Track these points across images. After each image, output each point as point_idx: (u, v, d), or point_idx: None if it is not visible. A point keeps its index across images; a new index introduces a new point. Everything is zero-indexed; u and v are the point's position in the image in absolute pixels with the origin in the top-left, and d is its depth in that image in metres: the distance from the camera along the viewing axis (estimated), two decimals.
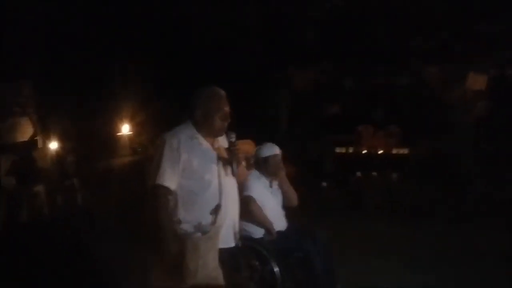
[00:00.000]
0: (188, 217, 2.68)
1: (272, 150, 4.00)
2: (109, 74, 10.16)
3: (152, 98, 10.25)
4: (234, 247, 2.87)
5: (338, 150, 10.69)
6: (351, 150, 10.68)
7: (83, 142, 10.28)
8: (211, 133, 2.82)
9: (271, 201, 3.95)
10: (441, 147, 9.24)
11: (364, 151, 10.59)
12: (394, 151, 10.35)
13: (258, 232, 3.85)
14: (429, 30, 9.05)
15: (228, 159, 2.79)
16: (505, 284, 4.42)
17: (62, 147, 9.60)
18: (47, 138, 9.57)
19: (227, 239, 2.78)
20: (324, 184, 9.90)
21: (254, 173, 4.00)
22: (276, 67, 10.40)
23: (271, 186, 4.01)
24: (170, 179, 2.65)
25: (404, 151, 10.26)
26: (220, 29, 9.51)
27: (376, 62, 9.92)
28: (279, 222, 3.93)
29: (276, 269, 3.60)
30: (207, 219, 2.67)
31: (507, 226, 6.23)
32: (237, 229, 2.87)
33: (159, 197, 2.63)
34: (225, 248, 2.75)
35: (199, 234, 2.64)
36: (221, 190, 2.73)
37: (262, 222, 3.81)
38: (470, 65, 9.53)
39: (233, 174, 2.79)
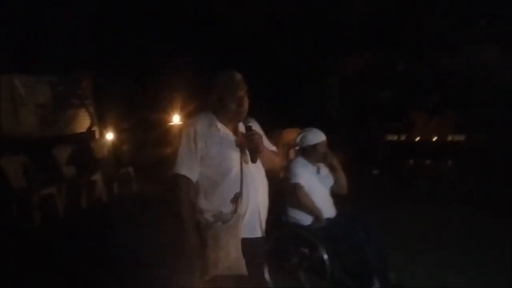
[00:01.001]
0: (209, 206, 2.64)
1: (320, 136, 3.96)
2: (161, 65, 10.35)
3: (199, 88, 10.37)
4: (280, 236, 2.84)
5: (390, 137, 10.49)
6: (403, 137, 10.45)
7: (137, 132, 10.61)
8: (228, 120, 2.72)
9: (319, 188, 3.92)
10: (498, 134, 8.85)
11: (417, 139, 10.32)
12: (449, 139, 10.02)
13: (306, 219, 3.84)
14: (485, 11, 8.62)
15: (248, 146, 2.67)
16: None
17: (118, 137, 9.92)
18: (103, 128, 9.95)
19: (252, 228, 2.69)
20: (376, 172, 9.76)
21: (300, 160, 3.98)
22: (326, 54, 10.25)
23: (318, 173, 3.98)
24: (188, 168, 2.64)
25: (460, 138, 9.91)
26: (267, 16, 9.47)
27: (430, 45, 9.57)
28: (328, 209, 3.91)
29: (325, 256, 3.59)
30: (227, 207, 2.61)
31: None
32: (263, 218, 2.74)
33: (178, 187, 2.62)
34: (250, 238, 2.67)
35: (219, 223, 2.58)
36: (242, 177, 2.64)
37: (310, 209, 3.79)
38: None
39: (252, 161, 2.66)
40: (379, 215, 4.16)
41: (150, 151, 10.54)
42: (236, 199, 2.62)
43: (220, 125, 2.72)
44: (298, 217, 3.88)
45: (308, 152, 3.96)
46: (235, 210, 2.61)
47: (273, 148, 2.93)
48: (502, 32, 8.57)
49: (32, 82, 9.15)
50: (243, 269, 2.58)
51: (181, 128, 2.77)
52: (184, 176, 2.64)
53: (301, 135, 4.05)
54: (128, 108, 10.38)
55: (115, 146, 9.59)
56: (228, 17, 9.76)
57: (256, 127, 2.78)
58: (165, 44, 9.99)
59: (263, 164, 2.80)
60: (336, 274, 3.57)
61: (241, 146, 2.71)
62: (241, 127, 2.75)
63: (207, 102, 2.76)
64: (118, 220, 6.68)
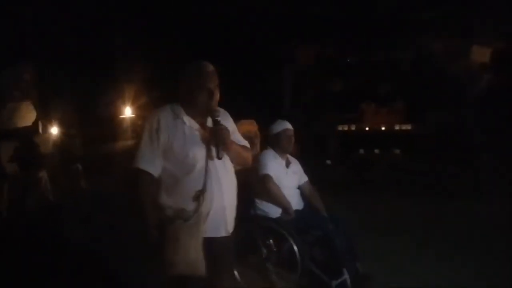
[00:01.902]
0: (170, 202, 2.50)
1: (283, 125, 4.02)
2: (110, 57, 10.02)
3: (154, 80, 10.15)
4: (248, 229, 2.76)
5: (340, 127, 10.66)
6: (353, 127, 10.65)
7: (85, 126, 10.24)
8: (197, 112, 2.57)
9: (287, 180, 3.92)
10: (445, 121, 9.18)
11: (367, 128, 10.56)
12: (397, 128, 10.31)
13: (275, 211, 3.82)
14: (433, 2, 8.88)
15: (213, 141, 2.51)
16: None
17: (64, 132, 9.54)
18: (48, 122, 9.48)
19: (216, 227, 2.55)
20: (328, 161, 9.89)
21: (269, 152, 3.99)
22: (279, 45, 10.24)
23: (287, 167, 4.00)
24: (150, 162, 2.51)
25: (407, 127, 10.22)
26: (222, 4, 9.33)
27: (379, 37, 9.76)
28: (296, 201, 3.91)
29: (295, 247, 3.56)
30: (190, 205, 2.47)
31: None
32: (229, 217, 2.61)
33: (139, 181, 2.50)
34: (213, 237, 2.54)
35: (180, 221, 2.45)
36: (207, 174, 2.49)
37: (279, 200, 3.77)
38: (473, 38, 9.39)
39: (218, 157, 2.49)
40: (332, 205, 4.16)
41: (100, 146, 10.23)
42: (198, 196, 2.47)
43: (186, 118, 2.55)
44: (267, 210, 3.84)
45: (274, 142, 4.00)
46: (197, 209, 2.46)
47: (244, 142, 2.77)
48: (449, 23, 8.84)
49: None
50: (201, 270, 2.46)
51: (144, 120, 2.64)
52: (144, 171, 2.50)
53: (269, 128, 4.09)
54: (75, 101, 9.97)
55: (62, 141, 9.19)
56: (182, 9, 9.53)
57: (226, 120, 2.63)
58: (115, 33, 9.67)
59: (232, 160, 2.65)
60: (306, 265, 3.53)
61: (207, 141, 2.54)
62: (210, 121, 2.59)
63: (179, 93, 2.60)
64: (66, 218, 6.44)
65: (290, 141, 3.98)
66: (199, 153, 2.52)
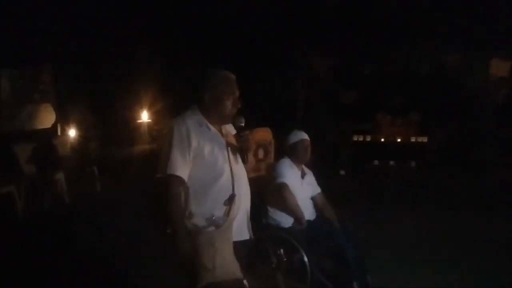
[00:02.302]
0: (200, 209, 2.49)
1: (300, 135, 4.05)
2: (129, 61, 10.11)
3: (171, 85, 10.21)
4: (259, 239, 2.78)
5: (355, 138, 10.62)
6: (368, 138, 10.61)
7: (102, 130, 10.34)
8: (219, 119, 2.63)
9: (301, 191, 3.94)
10: (461, 135, 9.12)
11: (382, 140, 10.50)
12: (413, 139, 10.24)
13: (287, 221, 3.84)
14: (451, 15, 8.84)
15: (238, 146, 2.62)
16: None
17: (82, 135, 9.63)
18: (66, 125, 9.61)
19: (241, 231, 2.63)
20: (342, 172, 9.85)
21: (286, 161, 4.00)
22: (294, 54, 10.26)
23: (302, 178, 4.02)
24: (182, 168, 2.47)
25: (423, 139, 10.15)
26: (236, 14, 9.40)
27: (395, 47, 9.74)
28: (309, 212, 3.93)
29: (305, 258, 3.57)
30: (220, 210, 2.49)
31: None
32: (249, 220, 2.69)
33: (171, 188, 2.45)
34: (240, 241, 2.60)
35: (212, 228, 2.47)
36: (233, 179, 2.55)
37: (294, 210, 3.78)
38: (492, 52, 9.33)
39: (245, 162, 2.62)
40: (345, 216, 4.17)
41: (116, 150, 10.31)
42: (230, 201, 2.52)
43: (209, 125, 2.61)
44: (279, 219, 3.87)
45: (291, 152, 4.01)
46: (228, 213, 2.51)
47: None
48: (467, 34, 8.78)
49: None
50: (238, 273, 2.51)
51: (169, 126, 2.57)
52: (178, 177, 2.47)
53: (286, 138, 4.11)
54: (92, 104, 10.08)
55: (79, 144, 9.29)
56: (198, 15, 9.61)
57: (232, 128, 2.73)
58: (133, 38, 9.77)
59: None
60: (316, 277, 3.53)
61: (230, 147, 2.62)
62: (228, 127, 2.70)
63: (198, 99, 2.62)
64: (81, 221, 6.51)
65: (307, 152, 4.00)
66: (225, 158, 2.57)
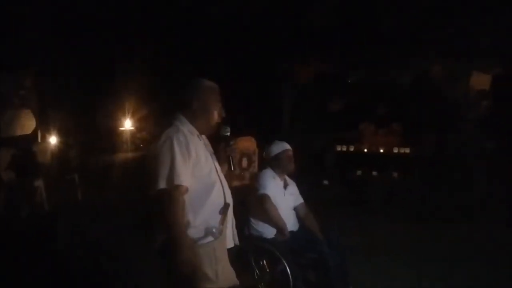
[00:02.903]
0: (198, 219, 2.44)
1: (282, 146, 4.04)
2: (111, 68, 10.03)
3: (155, 93, 10.16)
4: (239, 247, 2.73)
5: (339, 148, 10.66)
6: (352, 148, 10.65)
7: (84, 137, 10.23)
8: (206, 128, 2.61)
9: (284, 202, 3.92)
10: (443, 145, 9.21)
11: (365, 150, 10.56)
12: (395, 150, 10.31)
13: (269, 232, 3.81)
14: (433, 26, 8.94)
15: (225, 155, 2.64)
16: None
17: (63, 141, 9.52)
18: (47, 131, 9.48)
19: (229, 239, 2.61)
20: (326, 182, 9.87)
21: (268, 172, 3.98)
22: (279, 61, 10.27)
23: (285, 188, 4.00)
24: (187, 178, 2.40)
25: (406, 150, 10.22)
26: (222, 21, 9.38)
27: (379, 57, 9.81)
28: (292, 223, 3.91)
29: (288, 269, 3.53)
30: (215, 220, 2.47)
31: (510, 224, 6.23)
32: (234, 227, 2.68)
33: (176, 200, 2.34)
34: (229, 248, 2.57)
35: (210, 238, 2.43)
36: (223, 188, 2.54)
37: (276, 221, 3.76)
38: (473, 63, 9.46)
39: (231, 169, 2.64)
40: (334, 226, 4.16)
41: (98, 157, 10.20)
42: (224, 210, 2.50)
43: (199, 134, 2.59)
44: (261, 230, 3.84)
45: (274, 163, 4.00)
46: (222, 222, 2.48)
47: None
48: (448, 46, 8.89)
49: None
50: (235, 280, 2.52)
51: (166, 137, 2.43)
52: (183, 187, 2.38)
53: (266, 149, 4.10)
54: (74, 111, 9.97)
55: (60, 151, 9.17)
56: (180, 19, 9.57)
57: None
58: (116, 45, 9.70)
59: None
60: (298, 287, 3.50)
61: (218, 155, 2.64)
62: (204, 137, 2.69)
63: (185, 108, 2.58)
64: (61, 229, 6.41)
65: (291, 162, 3.99)
66: (215, 168, 2.57)
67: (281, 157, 3.96)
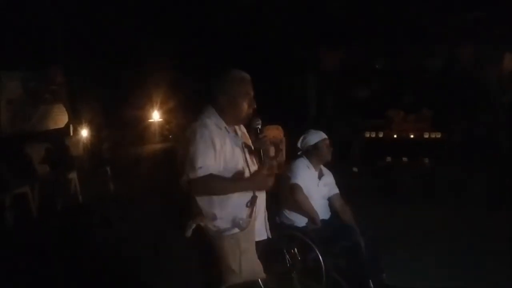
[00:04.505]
0: (224, 212, 2.48)
1: (320, 135, 4.00)
2: (141, 61, 10.13)
3: (183, 85, 10.22)
4: (273, 238, 2.73)
5: (368, 134, 10.53)
6: (381, 134, 10.51)
7: (114, 129, 10.37)
8: (236, 120, 2.63)
9: (317, 192, 3.90)
10: (475, 130, 9.00)
11: (395, 136, 10.41)
12: (426, 135, 10.13)
13: (301, 221, 3.81)
14: (463, 8, 8.72)
15: (255, 147, 2.62)
16: None
17: (94, 135, 9.68)
18: (79, 125, 9.67)
19: (261, 231, 2.64)
20: (355, 169, 9.77)
21: (303, 161, 3.95)
22: (305, 50, 10.19)
23: (319, 178, 3.97)
24: (210, 168, 2.43)
25: (437, 135, 10.03)
26: (248, 11, 9.36)
27: (406, 42, 9.63)
28: (323, 211, 3.89)
29: (320, 257, 3.54)
30: (242, 212, 2.50)
31: None
32: (267, 220, 2.71)
33: (208, 183, 2.41)
34: (259, 241, 2.60)
35: (236, 230, 2.45)
36: None
37: (307, 211, 3.75)
38: (505, 45, 9.20)
39: (262, 163, 2.58)
40: (357, 213, 4.12)
41: (128, 149, 10.34)
42: (252, 202, 2.51)
43: (227, 126, 2.60)
44: (293, 219, 3.84)
45: (311, 153, 3.97)
46: (250, 215, 2.50)
47: None
48: (479, 31, 8.66)
49: (2, 77, 8.81)
50: (262, 273, 2.52)
51: (192, 130, 2.50)
52: (212, 175, 2.43)
53: (301, 139, 4.07)
54: (104, 104, 10.12)
55: (91, 144, 9.34)
56: (208, 13, 9.59)
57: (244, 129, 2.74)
58: (144, 38, 9.78)
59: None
60: (331, 275, 3.50)
61: (248, 148, 2.63)
62: (243, 127, 2.70)
63: (213, 100, 2.61)
64: (96, 221, 6.54)
65: (329, 151, 3.96)
66: (244, 160, 2.58)
67: (319, 146, 3.93)
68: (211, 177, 2.42)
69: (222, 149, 2.48)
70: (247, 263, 2.43)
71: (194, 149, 2.43)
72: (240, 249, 2.42)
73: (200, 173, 2.41)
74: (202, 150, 2.43)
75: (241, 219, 2.47)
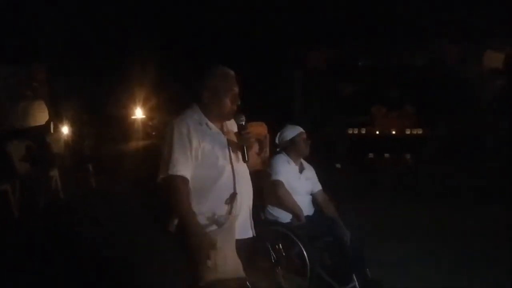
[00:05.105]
0: (202, 208, 2.47)
1: (297, 129, 4.02)
2: (123, 57, 10.04)
3: (165, 82, 10.17)
4: (257, 234, 2.72)
5: (351, 131, 10.61)
6: (363, 131, 10.59)
7: (96, 126, 10.28)
8: (219, 117, 2.62)
9: (299, 186, 3.91)
10: (457, 127, 9.11)
11: (377, 132, 10.49)
12: (408, 132, 10.24)
13: (285, 217, 3.82)
14: (445, 6, 8.81)
15: (239, 144, 2.60)
16: None
17: (76, 132, 9.58)
18: (60, 122, 9.55)
19: (244, 229, 2.62)
20: (338, 165, 9.83)
21: (282, 156, 3.96)
22: (290, 46, 10.20)
23: (300, 172, 3.98)
24: (185, 168, 2.44)
25: (418, 131, 10.14)
26: (232, 7, 9.33)
27: (390, 40, 9.70)
28: (307, 207, 3.90)
29: (304, 252, 3.54)
30: (221, 209, 2.49)
31: None
32: (251, 218, 2.69)
33: (176, 188, 2.42)
34: (243, 239, 2.60)
35: (214, 227, 2.45)
36: (235, 177, 2.54)
37: (291, 207, 3.76)
38: (486, 43, 9.32)
39: (245, 160, 2.58)
40: (348, 210, 4.15)
41: (110, 147, 10.25)
42: (231, 200, 2.50)
43: (209, 123, 2.59)
44: (277, 215, 3.84)
45: (289, 148, 3.98)
46: (229, 212, 2.49)
47: None
48: (461, 28, 8.76)
49: None
50: (241, 272, 2.49)
51: (169, 127, 2.53)
52: (180, 177, 2.44)
53: (278, 135, 4.09)
54: (86, 101, 10.02)
55: (73, 141, 9.24)
56: (191, 10, 9.54)
57: (235, 125, 2.70)
58: (126, 35, 9.70)
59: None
60: (315, 271, 3.51)
61: (232, 144, 2.61)
62: (229, 124, 2.69)
63: (196, 96, 2.60)
64: (77, 219, 6.48)
65: (306, 145, 3.97)
66: (226, 157, 2.56)
67: (296, 140, 3.94)
68: (177, 182, 2.43)
69: (199, 146, 2.48)
70: (223, 260, 2.42)
71: (168, 149, 2.47)
72: (216, 247, 2.40)
73: (172, 172, 2.43)
74: (176, 150, 2.45)
75: (220, 216, 2.47)
